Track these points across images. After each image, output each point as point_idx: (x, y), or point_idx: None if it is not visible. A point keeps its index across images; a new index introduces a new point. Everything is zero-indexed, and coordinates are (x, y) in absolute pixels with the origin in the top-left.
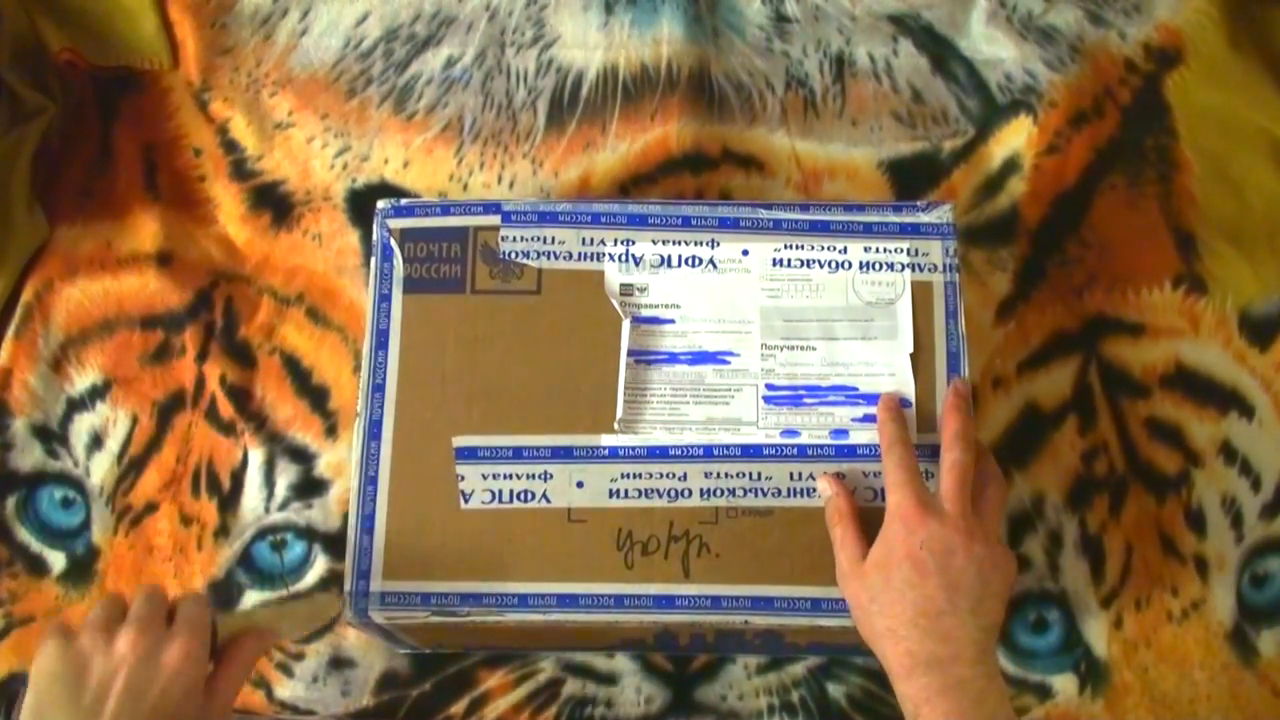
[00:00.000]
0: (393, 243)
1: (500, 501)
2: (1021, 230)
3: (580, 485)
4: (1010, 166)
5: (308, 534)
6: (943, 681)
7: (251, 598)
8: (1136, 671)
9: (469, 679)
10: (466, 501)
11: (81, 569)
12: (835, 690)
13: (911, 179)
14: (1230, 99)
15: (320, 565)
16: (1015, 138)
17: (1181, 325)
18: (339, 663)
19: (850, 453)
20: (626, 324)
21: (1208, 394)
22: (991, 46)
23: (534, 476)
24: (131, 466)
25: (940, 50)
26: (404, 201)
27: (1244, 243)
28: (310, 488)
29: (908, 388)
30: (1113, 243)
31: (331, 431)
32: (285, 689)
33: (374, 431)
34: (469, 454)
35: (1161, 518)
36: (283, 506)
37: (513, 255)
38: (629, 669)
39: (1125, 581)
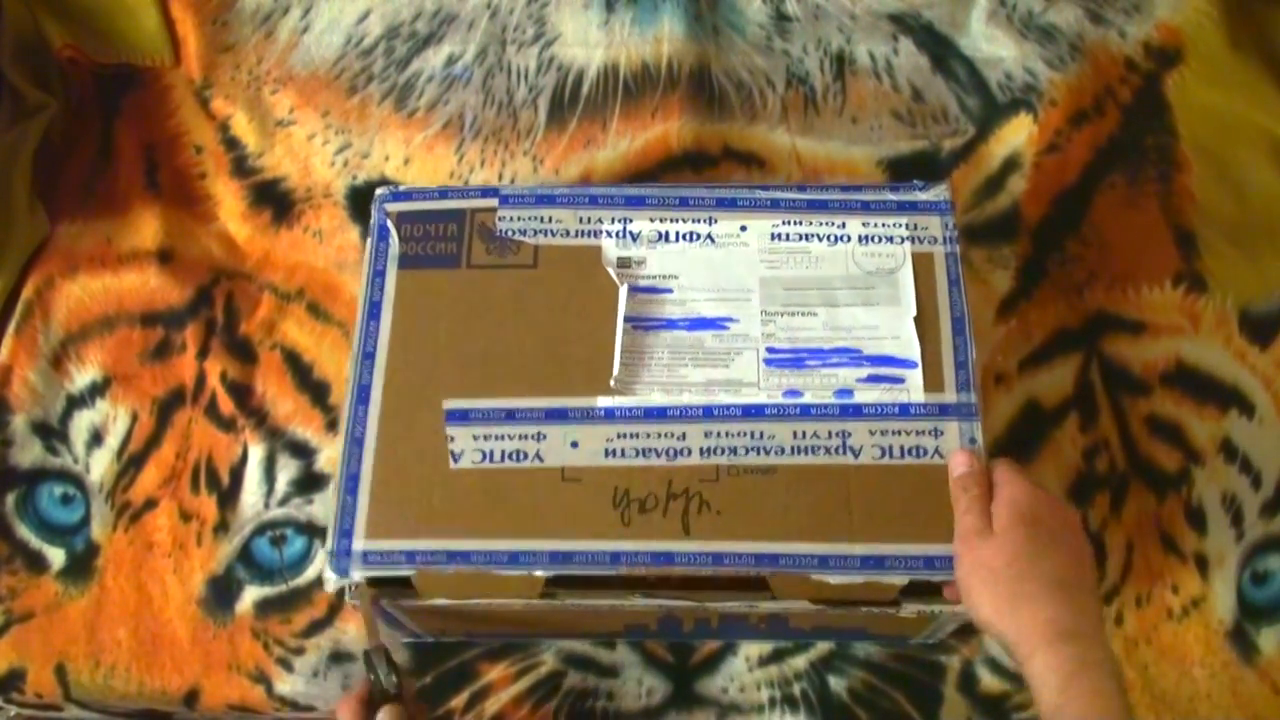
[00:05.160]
0: (389, 224)
1: (491, 461)
2: (1022, 228)
3: (575, 445)
4: (1011, 165)
5: (308, 529)
6: (1086, 655)
7: (251, 593)
8: (1137, 669)
9: (470, 672)
10: (456, 461)
11: (81, 565)
12: (836, 683)
13: (911, 177)
14: (1230, 98)
15: (321, 561)
16: (1015, 136)
17: (1182, 323)
18: (339, 657)
19: (856, 411)
20: (624, 289)
21: (1208, 392)
22: (991, 45)
23: (527, 437)
24: (131, 463)
25: (940, 49)
26: (402, 188)
27: (1244, 241)
28: (311, 483)
29: (912, 350)
30: (1113, 241)
31: (332, 426)
32: (285, 684)
33: (362, 396)
34: (460, 416)
35: (1162, 515)
36: (283, 502)
37: (509, 233)
38: (630, 661)
39: (1126, 578)
